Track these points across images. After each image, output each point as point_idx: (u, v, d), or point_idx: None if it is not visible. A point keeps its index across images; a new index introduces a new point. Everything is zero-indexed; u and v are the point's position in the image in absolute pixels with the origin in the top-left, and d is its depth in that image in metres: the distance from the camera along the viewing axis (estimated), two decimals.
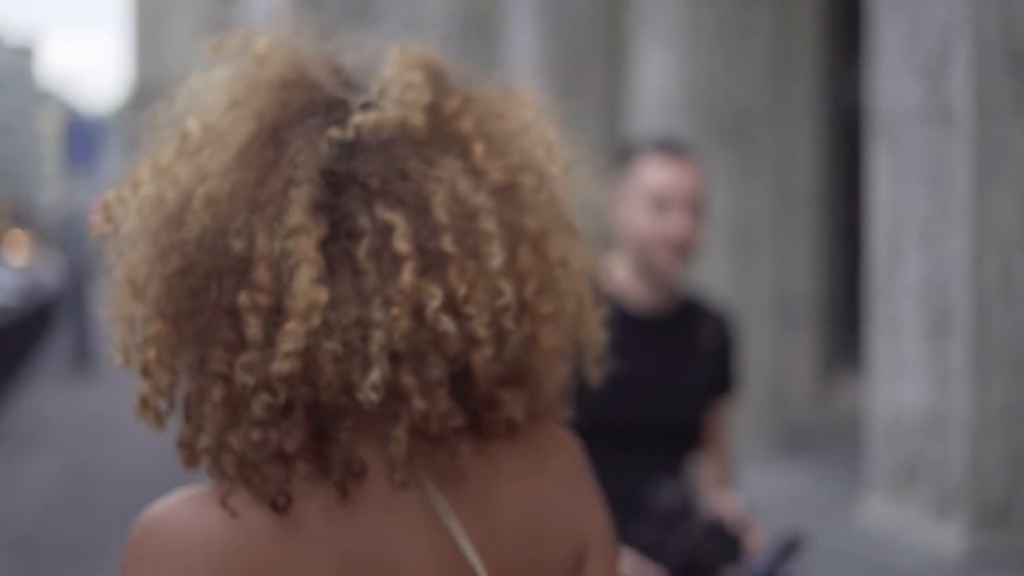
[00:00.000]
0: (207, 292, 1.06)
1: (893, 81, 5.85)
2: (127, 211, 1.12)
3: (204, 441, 1.08)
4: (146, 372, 1.10)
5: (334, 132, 1.09)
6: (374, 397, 1.04)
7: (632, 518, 2.54)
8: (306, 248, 1.04)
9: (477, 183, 1.10)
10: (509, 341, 1.09)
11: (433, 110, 1.13)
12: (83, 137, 18.54)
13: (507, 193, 1.13)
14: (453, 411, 1.07)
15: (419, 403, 1.05)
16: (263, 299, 1.04)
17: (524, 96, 1.23)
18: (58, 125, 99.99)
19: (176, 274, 1.07)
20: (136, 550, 1.07)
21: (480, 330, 1.07)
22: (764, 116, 8.92)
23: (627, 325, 2.55)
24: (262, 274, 1.04)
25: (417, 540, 1.08)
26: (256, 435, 1.05)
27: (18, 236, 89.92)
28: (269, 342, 1.04)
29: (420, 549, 1.08)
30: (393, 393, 1.05)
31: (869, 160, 6.18)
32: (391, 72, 1.16)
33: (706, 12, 8.50)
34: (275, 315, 1.04)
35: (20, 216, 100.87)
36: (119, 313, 1.12)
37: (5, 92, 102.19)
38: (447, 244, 1.06)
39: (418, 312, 1.04)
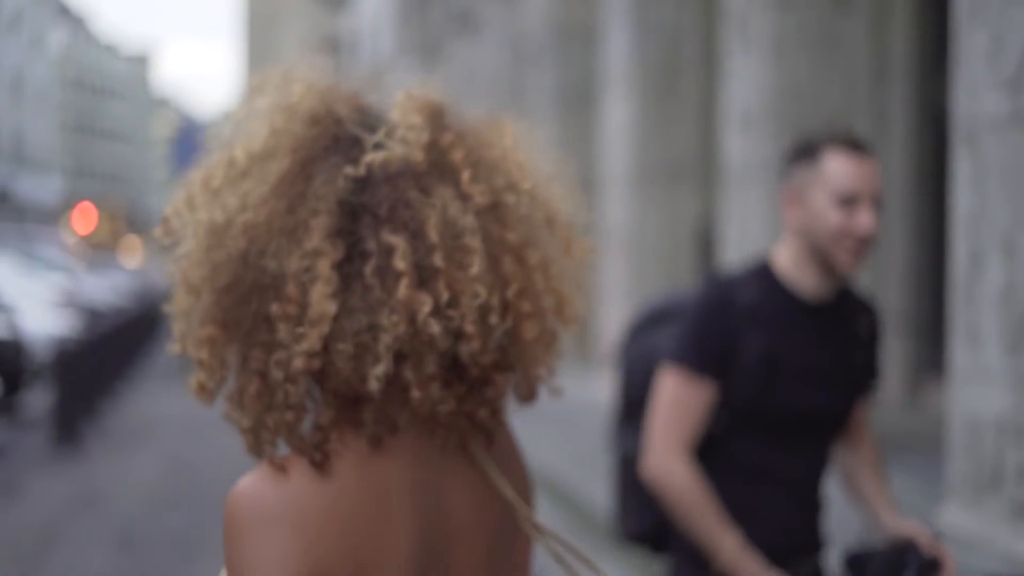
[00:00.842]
0: (249, 303, 1.31)
1: (974, 88, 5.87)
2: (184, 228, 1.37)
3: (245, 423, 1.35)
4: (201, 365, 1.37)
5: (349, 170, 1.32)
6: (375, 386, 1.29)
7: (799, 509, 2.67)
8: (322, 268, 1.28)
9: (464, 206, 1.33)
10: (493, 335, 1.32)
11: (431, 146, 1.36)
12: (193, 144, 19.16)
13: (491, 212, 1.36)
14: (444, 398, 1.33)
15: (416, 393, 1.31)
16: (291, 309, 1.29)
17: (507, 126, 1.49)
18: (171, 132, 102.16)
19: (224, 288, 1.32)
20: (234, 526, 1.34)
21: (468, 327, 1.30)
22: (855, 124, 8.93)
23: (797, 312, 2.68)
24: (291, 289, 1.29)
25: (457, 484, 1.38)
26: (289, 416, 1.32)
27: (131, 240, 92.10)
28: (296, 344, 1.29)
29: (460, 490, 1.39)
30: (396, 384, 1.31)
31: (951, 168, 6.21)
32: (398, 115, 1.38)
33: (798, 20, 8.54)
34: (300, 322, 1.29)
35: (133, 220, 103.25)
36: (178, 311, 1.37)
37: (121, 99, 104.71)
38: (437, 260, 1.29)
39: (412, 318, 1.28)
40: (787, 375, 2.63)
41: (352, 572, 1.32)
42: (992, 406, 5.68)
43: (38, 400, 14.51)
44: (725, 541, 2.55)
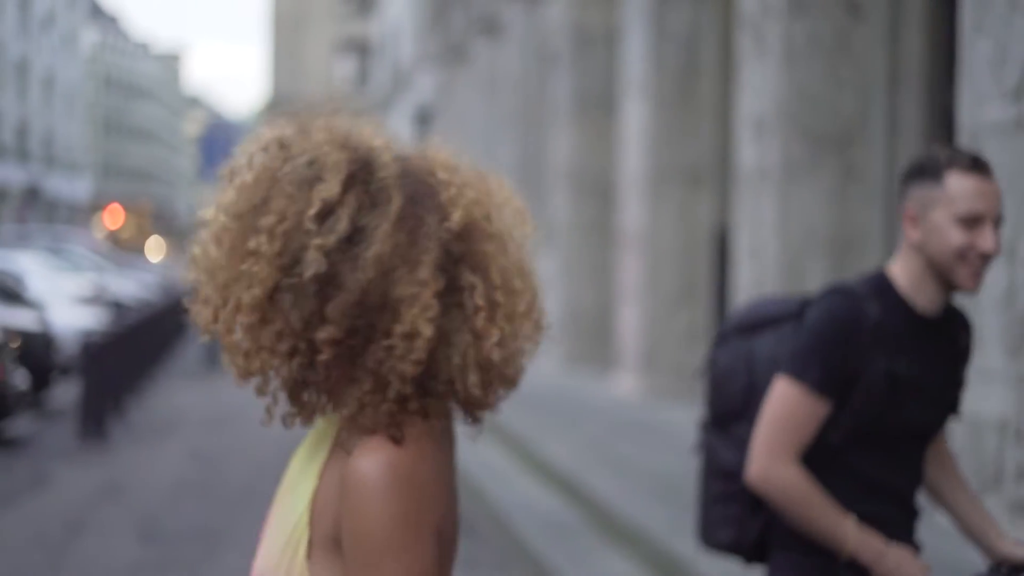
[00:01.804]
0: (370, 316, 1.56)
1: (979, 96, 6.00)
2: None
3: (348, 410, 1.58)
4: (323, 362, 1.59)
5: (450, 224, 1.60)
6: (476, 392, 1.60)
7: (906, 520, 2.73)
8: (427, 296, 1.55)
9: (507, 257, 1.66)
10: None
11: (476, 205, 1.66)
12: (221, 143, 19.42)
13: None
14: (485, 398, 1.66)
15: (472, 392, 1.60)
16: (405, 327, 1.54)
17: (498, 181, 1.76)
18: (200, 131, 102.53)
19: (356, 304, 1.55)
20: (379, 489, 1.52)
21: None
22: (867, 129, 9.04)
23: (915, 329, 2.69)
24: (405, 310, 1.54)
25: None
26: (393, 406, 1.57)
27: (158, 238, 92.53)
28: (408, 354, 1.55)
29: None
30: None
31: None
32: (446, 176, 1.67)
33: (811, 26, 8.65)
34: (411, 337, 1.55)
35: (161, 219, 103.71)
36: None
37: (151, 99, 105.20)
38: (499, 296, 1.61)
39: (481, 344, 1.59)
40: (905, 392, 2.67)
41: (452, 532, 1.60)
42: (993, 407, 5.81)
43: (65, 393, 14.73)
44: (847, 527, 2.60)
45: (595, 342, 15.07)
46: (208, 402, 14.45)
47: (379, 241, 1.55)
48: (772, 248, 8.72)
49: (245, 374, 1.61)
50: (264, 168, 1.64)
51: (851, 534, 2.59)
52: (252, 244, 1.57)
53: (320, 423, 1.67)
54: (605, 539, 7.16)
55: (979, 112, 6.02)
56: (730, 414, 2.84)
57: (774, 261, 8.70)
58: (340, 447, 1.59)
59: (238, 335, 1.60)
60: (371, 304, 1.55)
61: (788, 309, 2.82)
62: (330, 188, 1.58)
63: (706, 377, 2.93)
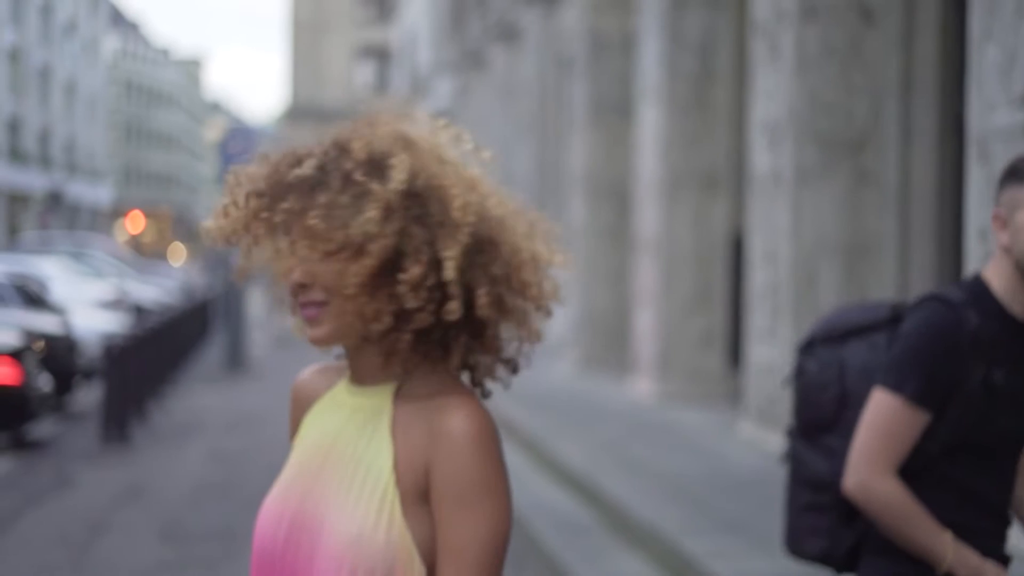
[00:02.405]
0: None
1: (987, 102, 6.08)
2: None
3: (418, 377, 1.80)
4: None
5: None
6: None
7: (999, 530, 2.70)
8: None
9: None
10: None
11: None
12: (241, 149, 19.59)
13: None
14: None
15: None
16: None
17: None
18: (220, 136, 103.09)
19: (382, 264, 1.70)
20: (486, 442, 1.71)
21: None
22: (880, 135, 9.11)
23: (1011, 335, 2.63)
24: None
25: None
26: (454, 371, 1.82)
27: (178, 243, 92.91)
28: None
29: None
30: None
31: (965, 179, 6.42)
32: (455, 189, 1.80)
33: (824, 32, 8.73)
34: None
35: (181, 222, 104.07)
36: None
37: (172, 104, 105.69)
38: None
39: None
40: (1002, 401, 2.63)
41: None
42: None
43: (88, 397, 14.89)
44: (945, 542, 2.58)
45: (611, 346, 15.16)
46: (228, 405, 14.57)
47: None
48: (785, 253, 8.80)
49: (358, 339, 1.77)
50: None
51: (949, 549, 2.57)
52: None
53: (353, 400, 1.81)
54: (618, 538, 7.25)
55: (988, 118, 6.10)
56: (820, 424, 2.79)
57: (787, 266, 8.78)
58: (408, 413, 1.75)
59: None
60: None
61: (876, 316, 2.77)
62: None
63: (794, 387, 2.87)
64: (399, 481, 1.72)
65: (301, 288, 1.73)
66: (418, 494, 1.72)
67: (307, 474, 1.79)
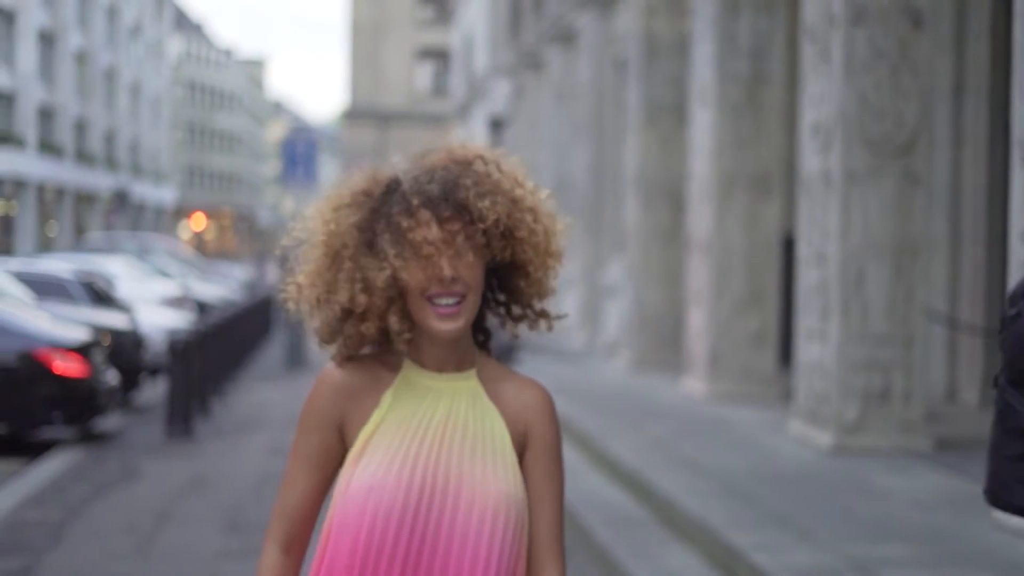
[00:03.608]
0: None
1: None
2: None
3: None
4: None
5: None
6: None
7: None
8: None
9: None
10: None
11: None
12: (303, 150, 19.97)
13: None
14: None
15: None
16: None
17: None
18: (282, 137, 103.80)
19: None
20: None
21: None
22: (931, 137, 9.19)
23: None
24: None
25: None
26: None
27: (241, 242, 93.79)
28: None
29: None
30: None
31: (1011, 183, 6.53)
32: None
33: (874, 35, 8.81)
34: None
35: (243, 220, 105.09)
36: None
37: (234, 105, 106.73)
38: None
39: None
40: None
41: None
42: None
43: (153, 391, 15.25)
44: None
45: (664, 345, 15.30)
46: (288, 401, 14.83)
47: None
48: (834, 254, 8.92)
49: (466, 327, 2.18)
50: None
51: None
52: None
53: (446, 385, 2.18)
54: (667, 532, 7.42)
55: None
56: None
57: (836, 267, 8.89)
58: (494, 392, 2.19)
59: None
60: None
61: None
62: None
63: (1004, 336, 2.81)
64: (513, 443, 2.16)
65: (452, 282, 2.08)
66: (519, 455, 2.17)
67: (429, 449, 2.11)
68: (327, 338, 2.16)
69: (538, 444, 2.17)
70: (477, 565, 2.07)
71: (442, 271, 2.06)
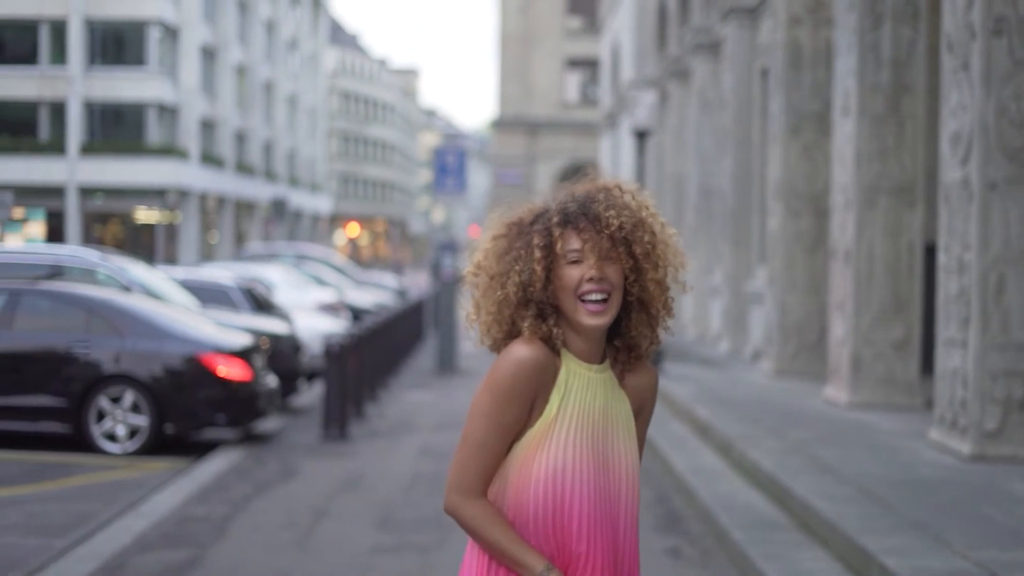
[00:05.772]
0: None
1: None
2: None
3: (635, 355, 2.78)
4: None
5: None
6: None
7: None
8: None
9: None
10: None
11: None
12: (453, 160, 20.44)
13: None
14: None
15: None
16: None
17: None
18: (434, 146, 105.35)
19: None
20: None
21: None
22: None
23: None
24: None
25: None
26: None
27: (395, 250, 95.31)
28: None
29: None
30: None
31: None
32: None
33: (1011, 44, 8.81)
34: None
35: (396, 227, 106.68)
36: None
37: (387, 115, 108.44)
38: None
39: None
40: None
41: None
42: None
43: (311, 394, 15.79)
44: None
45: (807, 353, 15.32)
46: (439, 405, 15.18)
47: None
48: (974, 263, 8.94)
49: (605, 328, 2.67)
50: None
51: None
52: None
53: (599, 375, 2.67)
54: (802, 536, 7.58)
55: None
56: None
57: (977, 276, 8.92)
58: (623, 375, 2.72)
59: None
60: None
61: None
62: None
63: None
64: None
65: (600, 280, 2.56)
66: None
67: (600, 431, 2.64)
68: (502, 346, 2.68)
69: (644, 416, 2.79)
70: (629, 517, 2.68)
71: (590, 270, 2.56)
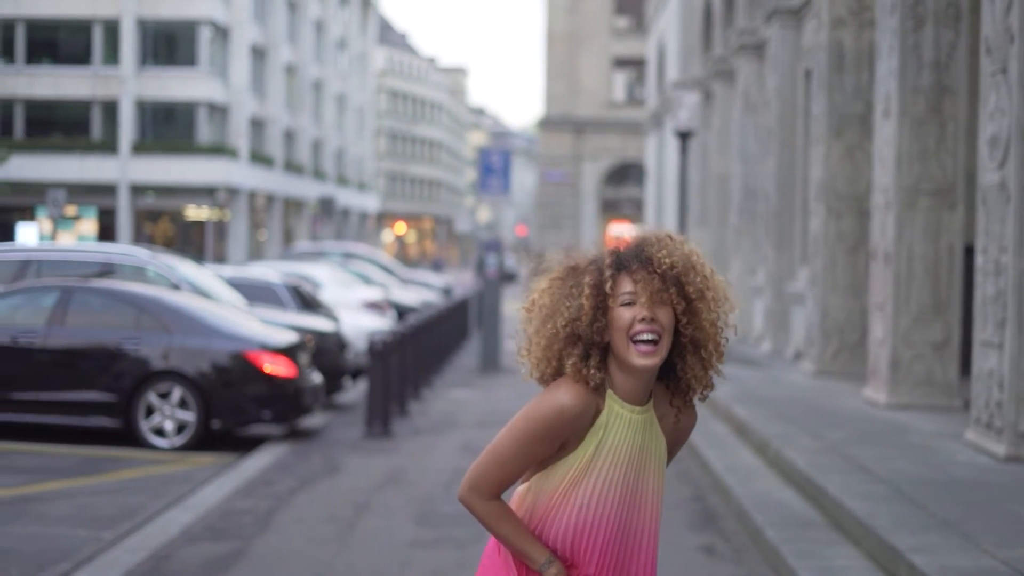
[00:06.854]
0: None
1: None
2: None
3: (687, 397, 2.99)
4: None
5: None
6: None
7: None
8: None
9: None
10: None
11: None
12: (497, 160, 20.55)
13: None
14: None
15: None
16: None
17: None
18: (481, 145, 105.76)
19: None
20: None
21: None
22: None
23: None
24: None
25: None
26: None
27: (441, 250, 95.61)
28: None
29: None
30: None
31: None
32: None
33: None
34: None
35: (442, 224, 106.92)
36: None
37: (435, 113, 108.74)
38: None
39: None
40: None
41: None
42: None
43: (355, 391, 15.97)
44: None
45: (848, 354, 15.35)
46: (481, 403, 15.27)
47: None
48: (1012, 265, 8.98)
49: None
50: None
51: None
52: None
53: (640, 416, 2.84)
54: (834, 534, 7.67)
55: None
56: None
57: (1014, 278, 8.95)
58: (659, 413, 2.90)
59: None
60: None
61: None
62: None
63: None
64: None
65: (651, 321, 2.72)
66: None
67: (632, 469, 2.83)
68: (550, 380, 2.85)
69: (676, 450, 3.00)
70: (649, 549, 2.90)
71: (642, 311, 2.72)
